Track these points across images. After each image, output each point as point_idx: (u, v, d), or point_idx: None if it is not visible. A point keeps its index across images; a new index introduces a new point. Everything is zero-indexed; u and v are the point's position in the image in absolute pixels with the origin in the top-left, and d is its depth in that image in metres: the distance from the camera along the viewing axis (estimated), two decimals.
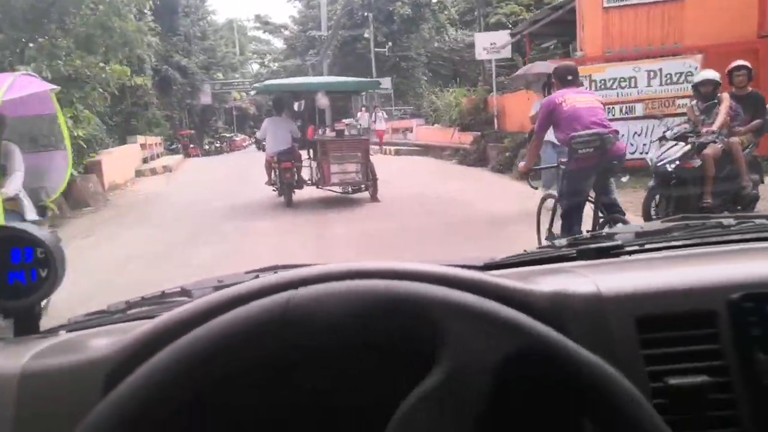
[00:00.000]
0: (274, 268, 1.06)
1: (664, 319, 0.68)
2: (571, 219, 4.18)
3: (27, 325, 0.86)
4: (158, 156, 22.24)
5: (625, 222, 3.95)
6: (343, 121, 14.02)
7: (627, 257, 0.98)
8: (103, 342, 0.69)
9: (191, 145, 30.07)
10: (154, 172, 16.88)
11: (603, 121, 4.07)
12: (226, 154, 32.09)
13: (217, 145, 35.46)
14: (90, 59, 10.09)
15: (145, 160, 18.51)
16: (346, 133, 10.64)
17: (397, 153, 19.22)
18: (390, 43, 28.93)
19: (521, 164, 5.03)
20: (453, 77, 34.50)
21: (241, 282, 0.99)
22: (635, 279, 0.76)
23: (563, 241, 1.16)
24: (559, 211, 4.39)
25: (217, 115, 41.41)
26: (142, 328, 0.57)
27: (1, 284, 0.83)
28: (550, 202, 4.73)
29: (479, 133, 14.61)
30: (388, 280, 0.50)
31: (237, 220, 8.23)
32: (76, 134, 9.09)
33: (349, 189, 9.83)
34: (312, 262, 1.02)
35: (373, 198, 9.48)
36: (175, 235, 7.24)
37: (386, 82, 25.30)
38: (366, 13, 29.52)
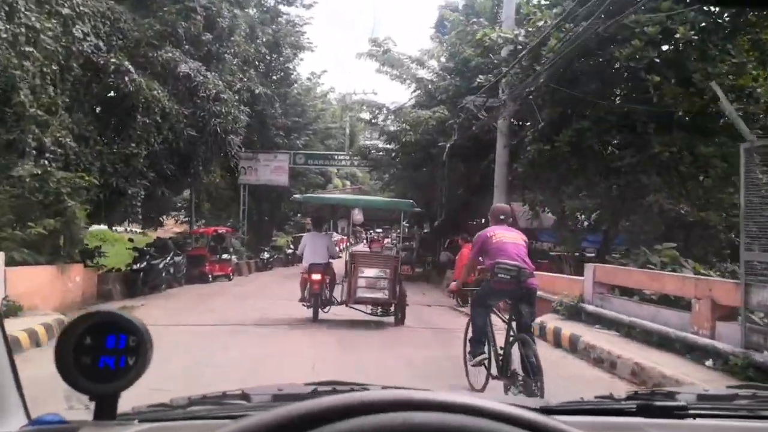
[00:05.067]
0: (332, 383, 1.17)
1: None
2: (476, 329, 4.99)
3: (107, 411, 0.88)
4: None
5: (529, 343, 4.57)
6: (385, 240, 13.56)
7: (692, 420, 0.97)
8: None
9: (215, 257, 16.22)
10: None
11: (524, 257, 4.90)
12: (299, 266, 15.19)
13: (289, 250, 22.73)
14: None
15: None
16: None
17: None
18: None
19: (452, 284, 6.25)
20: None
21: (301, 393, 1.10)
22: None
23: (622, 394, 1.16)
24: (470, 334, 5.12)
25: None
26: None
27: (92, 367, 0.86)
28: None
29: None
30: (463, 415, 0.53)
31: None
32: None
33: (378, 310, 9.28)
34: (365, 382, 1.18)
35: (398, 322, 9.06)
36: None
37: None
38: None
